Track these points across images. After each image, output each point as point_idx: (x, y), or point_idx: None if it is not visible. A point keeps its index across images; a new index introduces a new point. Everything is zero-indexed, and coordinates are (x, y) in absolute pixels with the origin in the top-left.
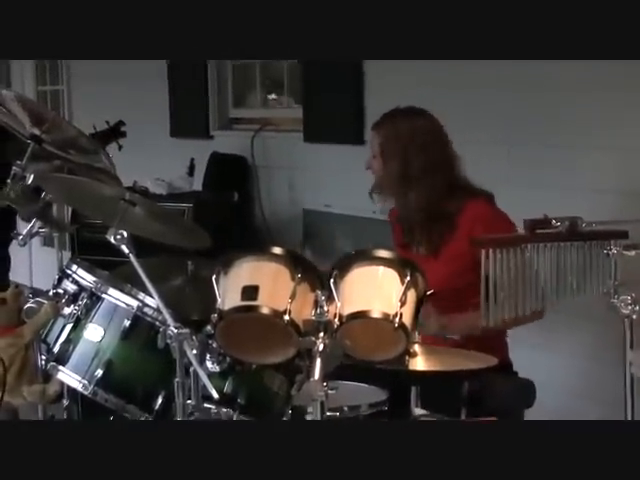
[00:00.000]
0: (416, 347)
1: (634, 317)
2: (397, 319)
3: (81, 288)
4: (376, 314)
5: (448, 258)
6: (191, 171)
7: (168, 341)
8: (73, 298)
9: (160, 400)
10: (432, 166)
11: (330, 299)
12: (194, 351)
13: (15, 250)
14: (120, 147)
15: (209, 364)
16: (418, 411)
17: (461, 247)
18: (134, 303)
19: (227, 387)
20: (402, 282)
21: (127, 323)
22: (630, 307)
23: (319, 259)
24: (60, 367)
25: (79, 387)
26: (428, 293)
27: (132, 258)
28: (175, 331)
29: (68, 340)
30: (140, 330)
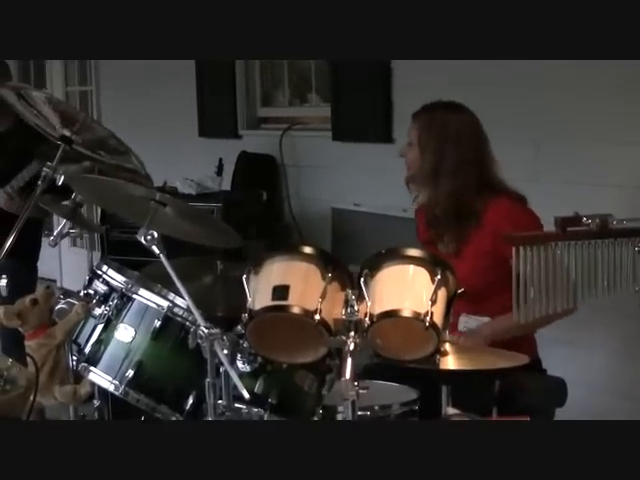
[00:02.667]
0: (447, 346)
1: None
2: (428, 318)
3: (112, 289)
4: (407, 313)
5: (471, 255)
6: (220, 171)
7: (199, 341)
8: (104, 299)
9: (191, 400)
10: (465, 162)
11: (360, 298)
12: (225, 351)
13: (44, 250)
14: None
15: (240, 364)
16: (449, 410)
17: (485, 245)
18: (164, 303)
19: (258, 387)
20: (433, 281)
21: (158, 323)
22: None
23: (348, 258)
24: (91, 368)
25: (110, 388)
26: (459, 292)
27: (163, 258)
28: (206, 331)
29: (99, 341)
30: (171, 330)
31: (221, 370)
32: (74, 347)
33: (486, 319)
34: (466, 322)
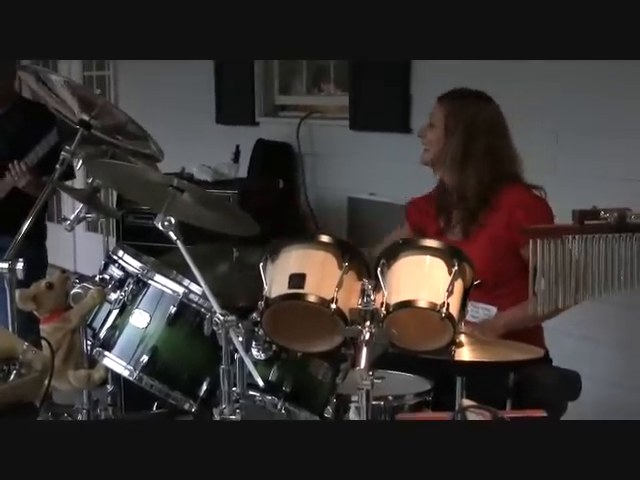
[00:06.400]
0: (462, 337)
1: None
2: (444, 309)
3: (127, 274)
4: (423, 304)
5: (483, 242)
6: (236, 158)
7: (214, 328)
8: (119, 284)
9: (205, 387)
10: (492, 149)
11: (377, 288)
12: (240, 338)
13: (60, 235)
14: None
15: (255, 352)
16: (465, 402)
17: (497, 231)
18: (180, 290)
19: (272, 375)
20: (449, 272)
21: (173, 309)
22: None
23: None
24: (106, 352)
25: (124, 373)
26: (475, 283)
27: (179, 245)
28: (222, 318)
29: (114, 326)
30: (186, 317)
31: (236, 357)
32: (89, 332)
33: (493, 308)
34: (472, 310)
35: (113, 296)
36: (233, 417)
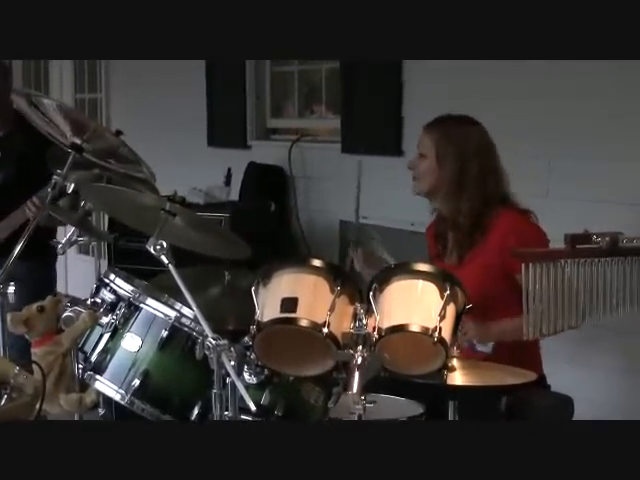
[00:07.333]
0: (454, 361)
1: None
2: (436, 333)
3: (119, 297)
4: (415, 328)
5: (477, 267)
6: (228, 181)
7: (206, 352)
8: (111, 307)
9: (196, 411)
10: (487, 173)
11: (369, 312)
12: (232, 362)
13: None
14: None
15: (246, 376)
16: None
17: (491, 257)
18: (172, 313)
19: (264, 399)
20: (442, 296)
21: (165, 333)
22: None
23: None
24: (97, 376)
25: (116, 397)
26: (467, 307)
27: (171, 268)
28: (213, 342)
29: (105, 349)
30: (177, 340)
31: (227, 381)
32: (80, 355)
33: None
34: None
35: (105, 319)
36: None
